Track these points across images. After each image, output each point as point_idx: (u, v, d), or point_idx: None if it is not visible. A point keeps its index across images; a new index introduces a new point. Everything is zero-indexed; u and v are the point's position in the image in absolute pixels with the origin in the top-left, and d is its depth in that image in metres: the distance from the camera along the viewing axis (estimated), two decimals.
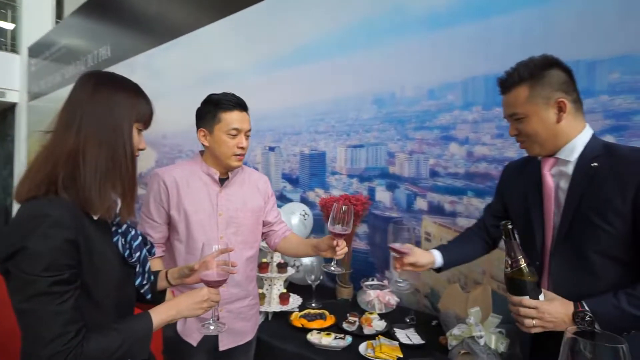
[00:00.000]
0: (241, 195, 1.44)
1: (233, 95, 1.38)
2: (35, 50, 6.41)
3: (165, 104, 3.46)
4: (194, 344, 1.37)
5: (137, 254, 0.94)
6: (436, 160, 1.85)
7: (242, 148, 1.36)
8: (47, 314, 0.76)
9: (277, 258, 1.86)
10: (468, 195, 1.75)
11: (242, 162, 1.42)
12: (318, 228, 2.27)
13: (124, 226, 0.94)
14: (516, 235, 0.94)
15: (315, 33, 2.29)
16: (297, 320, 1.68)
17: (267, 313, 1.77)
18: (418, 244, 1.93)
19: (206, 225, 1.39)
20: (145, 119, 0.94)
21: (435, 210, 1.86)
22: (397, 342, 1.47)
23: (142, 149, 0.96)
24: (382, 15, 1.99)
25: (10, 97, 6.84)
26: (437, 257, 1.23)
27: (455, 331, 1.38)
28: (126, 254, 0.91)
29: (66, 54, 5.34)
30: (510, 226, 0.93)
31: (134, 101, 0.90)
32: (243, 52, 2.75)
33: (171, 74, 3.42)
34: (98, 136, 0.84)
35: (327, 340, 1.49)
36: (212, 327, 1.03)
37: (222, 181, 1.43)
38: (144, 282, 0.98)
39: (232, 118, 1.34)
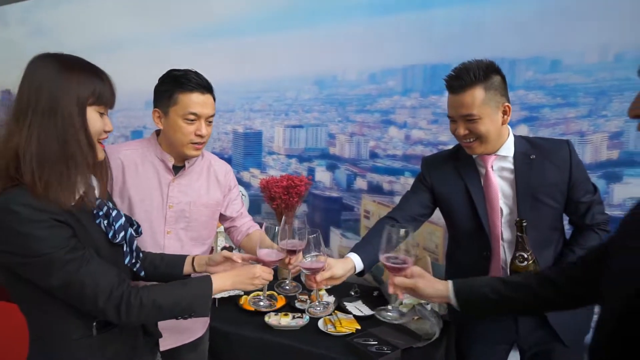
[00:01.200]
0: (197, 187, 1.32)
1: (196, 73, 1.22)
2: None
3: None
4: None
5: (122, 233, 0.92)
6: (376, 143, 1.95)
7: (200, 136, 1.21)
8: (87, 274, 0.81)
9: (222, 242, 1.79)
10: (405, 176, 1.90)
11: (200, 151, 1.27)
12: (255, 209, 2.23)
13: (105, 208, 0.91)
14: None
15: (248, 5, 2.17)
16: (247, 304, 1.65)
17: (214, 299, 1.71)
18: (357, 222, 2.05)
19: (153, 218, 1.27)
20: (105, 100, 0.87)
21: (375, 189, 1.97)
22: (351, 315, 1.56)
23: (108, 131, 0.90)
24: None
25: None
26: (357, 262, 1.14)
27: (406, 300, 1.52)
28: (110, 234, 0.90)
29: None
30: (524, 223, 1.06)
31: (84, 82, 0.83)
32: (159, 18, 2.46)
33: (64, 33, 2.89)
34: (46, 130, 0.79)
35: (286, 320, 1.51)
36: (261, 303, 1.12)
37: (177, 169, 1.29)
38: (134, 261, 0.97)
39: (190, 100, 1.19)
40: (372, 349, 1.29)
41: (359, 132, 1.98)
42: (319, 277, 1.03)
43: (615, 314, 0.59)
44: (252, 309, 1.63)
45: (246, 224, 1.42)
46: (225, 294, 1.72)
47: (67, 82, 0.82)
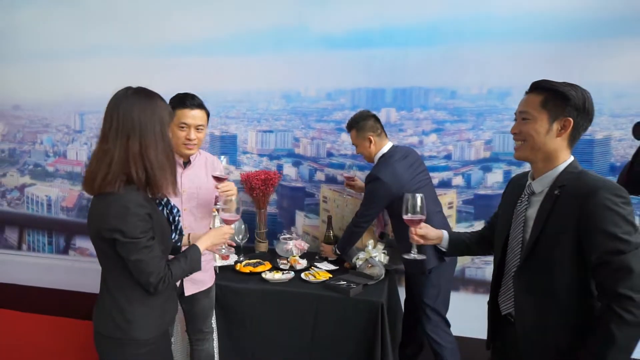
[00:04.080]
0: (200, 175, 1.83)
1: (190, 95, 1.72)
2: None
3: (15, 70, 3.06)
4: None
5: (177, 218, 1.38)
6: (331, 145, 2.58)
7: (189, 139, 1.68)
8: (151, 258, 1.17)
9: (217, 223, 2.26)
10: (353, 169, 2.55)
11: (195, 151, 1.76)
12: None
13: (164, 200, 1.33)
14: None
15: (224, 30, 2.63)
16: (244, 268, 2.17)
17: (215, 267, 2.19)
18: (317, 205, 2.66)
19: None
20: (172, 119, 1.31)
21: (330, 180, 2.60)
22: (324, 269, 2.18)
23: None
24: (289, 28, 2.53)
25: None
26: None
27: (361, 255, 2.18)
28: (170, 218, 1.35)
29: None
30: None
31: (166, 108, 1.24)
32: (142, 30, 2.77)
33: (24, 37, 3.00)
34: (155, 143, 1.18)
35: (278, 275, 2.07)
36: (223, 250, 1.55)
37: (186, 165, 1.79)
38: (176, 237, 1.42)
39: (183, 114, 1.66)
40: (343, 286, 1.92)
41: (318, 136, 2.59)
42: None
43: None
44: (247, 270, 2.16)
45: None
46: (223, 263, 2.21)
47: (161, 109, 1.21)
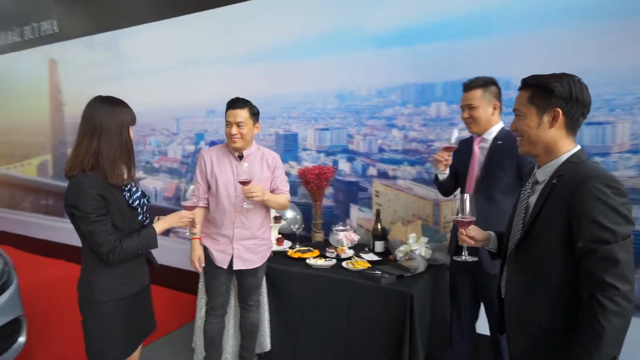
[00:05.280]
0: (254, 168, 2.09)
1: (237, 98, 2.03)
2: None
3: (132, 84, 3.76)
4: (224, 266, 2.07)
5: (137, 201, 1.54)
6: (383, 140, 2.65)
7: (231, 134, 1.98)
8: (101, 232, 1.40)
9: (274, 212, 2.54)
10: (404, 165, 2.59)
11: (238, 144, 2.02)
12: (293, 191, 2.97)
13: (128, 186, 1.53)
14: None
15: (288, 38, 2.90)
16: (294, 254, 2.40)
17: (271, 252, 2.47)
18: (370, 199, 2.77)
19: (228, 187, 2.05)
20: (135, 121, 1.53)
21: (382, 175, 2.68)
22: (365, 259, 2.29)
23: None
24: (341, 32, 2.68)
25: None
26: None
27: (402, 248, 2.24)
28: (129, 201, 1.52)
29: None
30: None
31: (127, 113, 1.49)
32: (220, 44, 3.22)
33: (139, 57, 3.70)
34: (110, 140, 1.43)
35: (321, 262, 2.25)
36: (187, 233, 1.74)
37: (241, 158, 2.08)
38: (144, 219, 1.60)
39: (228, 113, 2.01)
40: (377, 275, 2.01)
41: (370, 133, 2.69)
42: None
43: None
44: (296, 255, 2.38)
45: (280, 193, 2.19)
46: (275, 249, 2.48)
47: (121, 113, 1.46)
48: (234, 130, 1.99)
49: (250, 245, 2.11)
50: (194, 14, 3.30)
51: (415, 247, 2.20)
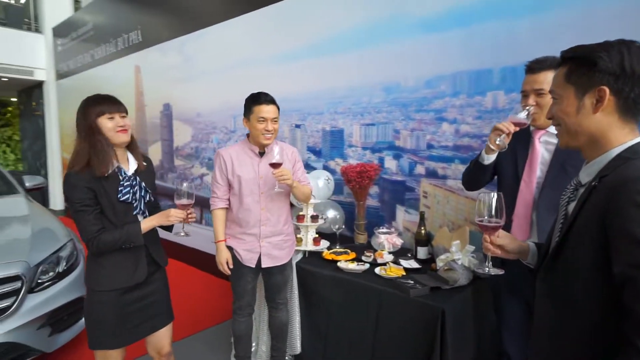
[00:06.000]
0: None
1: (264, 93, 1.95)
2: (61, 31, 6.81)
3: (198, 85, 3.98)
4: (252, 265, 2.04)
5: (126, 196, 1.57)
6: (431, 136, 2.40)
7: (267, 130, 1.93)
8: (84, 221, 1.50)
9: (311, 211, 2.46)
10: (455, 163, 2.31)
11: (272, 140, 1.97)
12: (339, 189, 2.86)
13: (126, 181, 1.58)
14: None
15: (331, 31, 2.78)
16: (328, 255, 2.29)
17: (304, 251, 2.39)
18: (417, 200, 2.53)
19: (252, 186, 1.99)
20: (105, 111, 1.53)
21: (431, 174, 2.43)
22: (401, 266, 2.08)
23: (121, 126, 1.57)
24: (387, 19, 2.49)
25: (39, 76, 7.30)
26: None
27: (442, 256, 1.99)
28: (119, 195, 1.55)
29: (95, 36, 5.76)
30: None
31: (94, 106, 1.53)
32: (271, 43, 3.24)
33: (203, 59, 3.91)
34: (85, 137, 1.53)
35: (352, 265, 2.11)
36: (182, 234, 1.65)
37: (262, 154, 2.02)
38: (140, 213, 1.63)
39: (261, 109, 1.92)
40: (407, 285, 1.81)
41: (418, 127, 2.45)
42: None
43: None
44: (330, 257, 2.27)
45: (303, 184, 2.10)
46: (311, 249, 2.39)
47: (88, 109, 1.54)
48: (270, 126, 1.95)
49: (277, 241, 2.07)
50: (250, 13, 3.37)
51: (458, 257, 1.93)
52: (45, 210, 3.05)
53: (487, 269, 1.20)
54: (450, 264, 1.90)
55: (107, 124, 1.54)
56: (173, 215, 1.59)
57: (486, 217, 1.12)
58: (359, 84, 2.69)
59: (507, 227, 1.60)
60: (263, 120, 1.93)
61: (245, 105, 1.99)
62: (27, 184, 3.47)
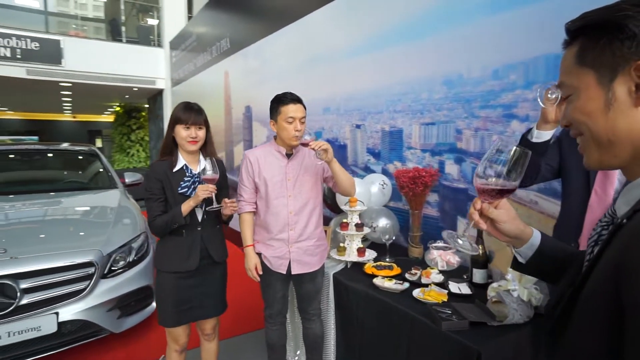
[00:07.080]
0: (303, 165, 1.91)
1: (290, 92, 1.85)
2: (175, 44, 7.71)
3: (272, 87, 4.06)
4: (282, 272, 1.95)
5: (183, 190, 1.81)
6: (499, 137, 2.01)
7: (297, 130, 1.82)
8: (148, 206, 1.80)
9: (355, 219, 2.27)
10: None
11: (299, 141, 1.85)
12: (396, 196, 2.61)
13: (194, 176, 1.84)
14: None
15: (389, 23, 2.53)
16: (369, 269, 2.09)
17: (346, 262, 2.22)
18: None
19: (279, 188, 1.89)
20: (182, 120, 1.79)
21: None
22: (446, 290, 1.78)
23: (193, 137, 1.81)
24: (446, 3, 2.15)
25: (159, 84, 8.41)
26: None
27: (495, 284, 1.63)
28: (179, 189, 1.80)
29: (196, 46, 6.37)
30: None
31: (177, 114, 1.80)
32: (336, 40, 3.12)
33: (277, 60, 3.98)
34: (167, 139, 1.87)
35: (389, 284, 1.87)
36: (215, 207, 1.79)
37: (289, 156, 1.90)
38: (197, 206, 1.83)
39: (288, 109, 1.80)
40: (440, 315, 1.52)
41: (483, 126, 2.07)
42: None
43: None
44: (370, 271, 2.06)
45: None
46: (355, 259, 2.20)
47: (173, 114, 1.82)
48: (300, 126, 1.85)
49: (307, 246, 1.95)
50: (313, 13, 3.30)
51: (514, 286, 1.56)
52: (133, 204, 3.42)
53: (459, 240, 0.84)
54: (501, 295, 1.54)
55: (182, 132, 1.79)
56: (200, 190, 1.73)
57: (493, 174, 0.74)
58: (418, 79, 2.40)
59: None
60: (292, 121, 1.83)
61: (271, 107, 1.90)
62: (127, 180, 3.96)
